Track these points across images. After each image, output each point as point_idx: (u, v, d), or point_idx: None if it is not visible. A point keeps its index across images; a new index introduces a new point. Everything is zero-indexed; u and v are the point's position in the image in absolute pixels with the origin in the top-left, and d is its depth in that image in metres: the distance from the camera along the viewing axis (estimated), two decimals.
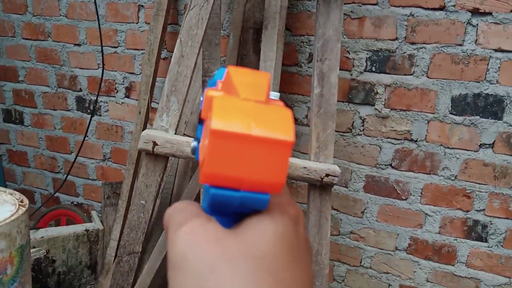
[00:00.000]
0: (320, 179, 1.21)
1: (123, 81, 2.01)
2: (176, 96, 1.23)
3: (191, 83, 1.56)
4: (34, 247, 1.81)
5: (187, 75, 1.22)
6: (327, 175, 1.21)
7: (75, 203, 2.34)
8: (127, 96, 2.03)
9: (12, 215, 0.78)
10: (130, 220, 1.31)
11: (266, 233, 0.23)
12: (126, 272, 1.35)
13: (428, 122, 1.53)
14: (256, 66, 1.47)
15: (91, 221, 2.08)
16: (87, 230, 1.96)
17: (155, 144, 1.21)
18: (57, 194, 2.37)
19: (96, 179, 2.25)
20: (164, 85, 1.23)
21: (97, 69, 2.05)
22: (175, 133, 1.26)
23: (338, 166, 1.65)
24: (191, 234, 0.23)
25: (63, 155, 2.29)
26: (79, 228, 1.97)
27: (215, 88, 0.27)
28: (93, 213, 2.12)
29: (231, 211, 0.23)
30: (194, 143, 0.33)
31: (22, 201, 0.86)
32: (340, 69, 1.56)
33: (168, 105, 1.23)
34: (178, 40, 1.21)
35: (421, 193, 1.60)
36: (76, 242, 1.95)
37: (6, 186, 2.50)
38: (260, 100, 0.23)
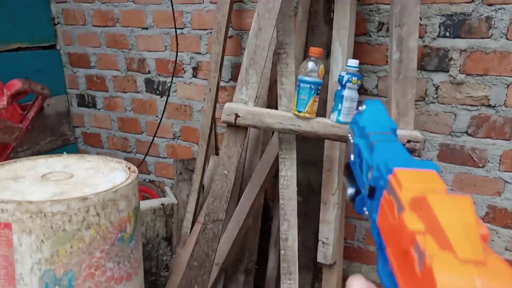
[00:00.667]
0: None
1: (190, 61, 2.08)
2: (255, 69, 1.27)
3: None
4: None
5: (264, 47, 1.25)
6: (409, 141, 1.21)
7: (147, 180, 2.46)
8: (194, 76, 2.10)
9: (126, 180, 0.85)
10: (214, 190, 1.38)
11: None
12: (210, 239, 1.43)
13: (507, 86, 1.48)
14: (328, 36, 1.48)
15: (165, 196, 2.19)
16: (163, 204, 2.07)
17: (237, 116, 1.26)
18: None
19: (166, 157, 2.35)
20: (243, 59, 1.28)
21: (164, 51, 2.12)
22: (255, 105, 1.30)
23: None
24: None
25: (134, 135, 2.41)
26: (155, 202, 2.08)
27: (411, 215, 0.25)
28: (167, 188, 2.23)
29: None
30: (351, 190, 0.35)
31: (129, 168, 0.94)
32: None
33: (247, 78, 1.27)
34: (255, 14, 1.25)
35: (500, 160, 1.56)
36: (153, 216, 2.06)
37: None
38: (480, 261, 0.21)
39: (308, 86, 1.19)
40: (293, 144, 1.35)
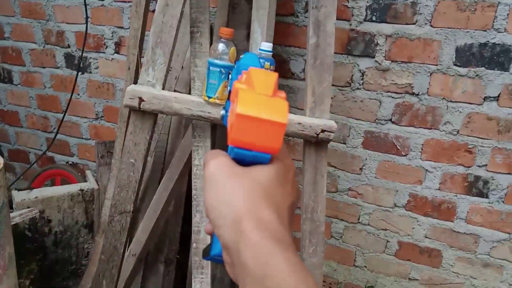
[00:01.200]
0: (315, 135, 1.16)
1: (112, 36, 1.92)
2: (162, 48, 1.15)
3: (181, 35, 1.47)
4: (28, 207, 1.80)
5: (172, 25, 1.14)
6: (322, 130, 1.15)
7: (70, 163, 2.30)
8: (117, 52, 1.95)
9: None
10: (120, 179, 1.27)
11: (264, 169, 0.36)
12: (118, 231, 1.33)
13: (430, 75, 1.45)
14: (248, 16, 1.38)
15: (85, 181, 2.05)
16: (81, 190, 1.94)
17: (141, 100, 1.15)
18: (51, 154, 2.33)
19: (89, 138, 2.20)
20: (149, 37, 1.16)
21: (85, 23, 1.95)
22: (163, 88, 1.19)
23: (336, 122, 1.60)
24: (218, 163, 0.37)
25: (55, 114, 2.24)
26: (73, 187, 1.94)
27: (240, 80, 0.40)
28: (88, 172, 2.09)
29: (247, 162, 0.36)
30: (222, 112, 0.48)
31: None
32: (338, 19, 1.47)
33: (154, 58, 1.16)
34: None
35: (422, 149, 1.55)
36: (71, 202, 1.93)
37: (0, 147, 2.46)
38: (268, 94, 0.35)
39: (218, 69, 1.09)
40: (207, 131, 1.26)
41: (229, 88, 0.46)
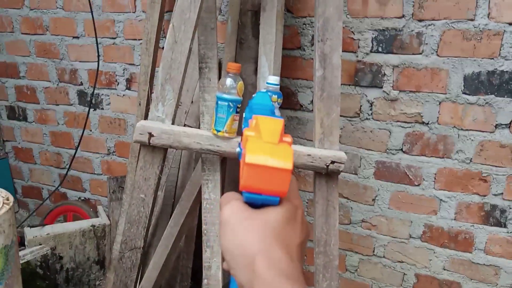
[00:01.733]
0: (325, 166, 1.15)
1: (123, 72, 1.96)
2: (171, 84, 1.17)
3: (190, 71, 1.50)
4: (40, 244, 1.80)
5: (181, 61, 1.16)
6: (332, 162, 1.14)
7: (82, 198, 2.31)
8: (128, 88, 1.99)
9: None
10: (130, 215, 1.26)
11: (273, 210, 0.39)
12: (128, 268, 1.31)
13: (439, 103, 1.44)
14: (255, 50, 1.40)
15: (97, 216, 2.05)
16: (93, 226, 1.94)
17: (151, 135, 1.16)
18: (64, 190, 2.35)
19: (101, 174, 2.22)
20: (158, 74, 1.18)
21: (97, 61, 2.00)
22: (173, 123, 1.21)
23: (346, 153, 1.59)
24: (231, 207, 0.40)
25: (67, 150, 2.27)
26: (85, 223, 1.94)
27: (249, 128, 0.43)
28: (100, 208, 2.09)
29: (258, 204, 0.39)
30: (238, 149, 0.49)
31: (7, 199, 0.82)
32: (345, 51, 1.49)
33: (163, 94, 1.18)
34: (170, 25, 1.15)
35: (435, 178, 1.52)
36: (82, 238, 1.92)
37: (13, 184, 2.48)
38: (274, 142, 0.39)
39: (226, 104, 1.10)
40: (216, 165, 1.26)
41: (242, 128, 0.51)
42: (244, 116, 0.55)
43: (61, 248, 1.87)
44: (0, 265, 0.74)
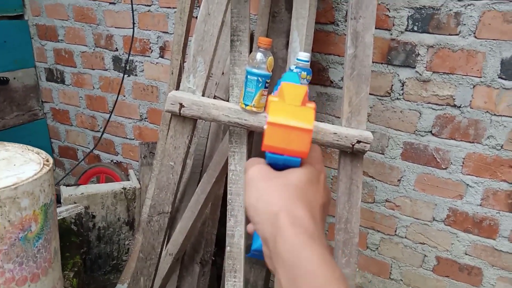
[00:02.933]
0: (351, 145, 1.16)
1: (157, 40, 1.99)
2: (203, 56, 1.19)
3: (222, 42, 1.51)
4: (75, 203, 1.90)
5: (213, 34, 1.18)
6: (358, 141, 1.15)
7: (114, 161, 2.41)
8: (162, 56, 2.02)
9: (35, 174, 0.79)
10: (159, 181, 1.32)
11: (296, 172, 0.40)
12: (156, 231, 1.38)
13: (473, 87, 1.41)
14: (288, 24, 1.39)
15: (128, 180, 2.14)
16: (124, 188, 2.02)
17: (181, 106, 1.19)
18: (97, 152, 2.44)
19: (133, 139, 2.29)
20: (190, 45, 1.20)
21: (132, 28, 2.03)
22: (203, 95, 1.23)
23: (374, 132, 1.59)
24: (256, 169, 0.42)
25: (102, 114, 2.34)
26: (116, 186, 2.03)
27: (275, 95, 0.45)
28: (131, 171, 2.17)
29: (280, 166, 0.41)
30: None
31: (47, 160, 0.87)
32: (379, 28, 1.46)
33: (194, 66, 1.20)
34: None
35: (463, 163, 1.51)
36: (114, 199, 2.02)
37: (51, 143, 2.60)
38: (297, 105, 0.40)
39: (256, 78, 1.12)
40: (243, 138, 1.29)
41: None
42: (273, 93, 0.56)
43: (93, 208, 1.97)
44: (40, 221, 0.80)
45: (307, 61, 1.14)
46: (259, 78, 1.12)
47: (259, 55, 1.11)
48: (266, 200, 0.38)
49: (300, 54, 1.14)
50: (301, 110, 0.39)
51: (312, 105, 0.42)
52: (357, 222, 1.25)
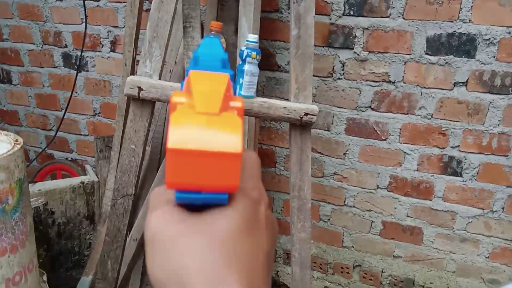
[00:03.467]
0: (299, 118, 1.28)
1: (108, 35, 2.03)
2: (158, 41, 1.26)
3: (174, 32, 1.59)
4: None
5: (167, 20, 1.25)
6: (306, 114, 1.27)
7: (69, 159, 2.40)
8: (113, 50, 2.06)
9: (8, 151, 0.84)
10: (121, 165, 1.38)
11: (224, 213, 0.27)
12: (121, 214, 1.43)
13: (405, 63, 1.58)
14: (236, 12, 1.49)
15: (86, 175, 2.15)
16: (82, 183, 2.04)
17: (140, 89, 1.26)
18: (51, 151, 2.43)
19: (88, 135, 2.30)
20: (146, 32, 1.27)
21: (81, 24, 2.05)
22: (159, 79, 1.31)
23: (320, 111, 1.72)
24: (160, 217, 0.27)
25: (53, 112, 2.33)
26: (74, 180, 2.04)
27: (179, 92, 0.30)
28: (88, 166, 2.19)
29: (198, 204, 0.27)
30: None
31: (17, 140, 0.92)
32: (319, 14, 1.60)
33: (150, 51, 1.27)
34: None
35: (400, 133, 1.68)
36: (73, 194, 2.03)
37: None
38: (213, 113, 0.26)
39: None
40: None
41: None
42: (186, 69, 0.40)
43: (52, 204, 1.98)
44: (16, 195, 0.85)
45: (256, 42, 1.24)
46: None
47: None
48: (178, 270, 0.25)
49: (249, 36, 1.24)
50: (221, 121, 0.26)
51: (238, 103, 0.29)
52: (309, 189, 1.37)
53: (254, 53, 1.23)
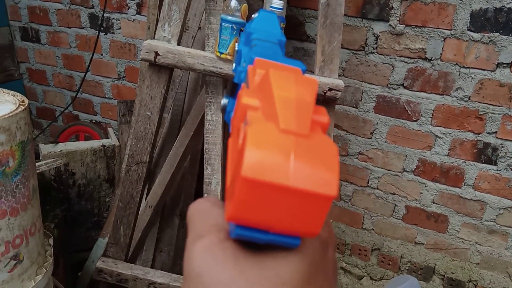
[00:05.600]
0: (323, 93, 1.20)
1: None
2: (178, 4, 1.20)
3: None
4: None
5: None
6: (330, 89, 1.19)
7: (93, 121, 2.41)
8: (139, 13, 2.00)
9: (11, 112, 0.81)
10: (136, 131, 1.34)
11: (289, 259, 0.21)
12: (135, 180, 1.41)
13: (444, 40, 1.45)
14: None
15: (107, 138, 2.15)
16: (103, 146, 2.04)
17: (157, 54, 1.21)
18: (76, 112, 2.43)
19: (112, 98, 2.29)
20: None
21: None
22: (178, 44, 1.25)
23: (349, 86, 1.63)
24: (208, 251, 0.21)
25: (79, 73, 2.32)
26: (95, 143, 2.04)
27: (250, 90, 0.23)
28: (110, 130, 2.18)
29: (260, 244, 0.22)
30: (224, 101, 0.30)
31: (23, 101, 0.89)
32: None
33: (169, 14, 1.21)
34: None
35: (432, 114, 1.57)
36: (93, 157, 2.03)
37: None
38: (302, 134, 0.20)
39: (230, 26, 1.14)
40: (219, 87, 1.32)
41: (233, 65, 0.31)
42: (237, 47, 0.33)
43: (73, 165, 1.99)
44: (17, 157, 0.82)
45: (281, 9, 1.16)
46: (234, 26, 1.13)
47: (233, 2, 1.12)
48: None
49: (274, 2, 1.15)
50: (313, 148, 0.20)
51: (324, 118, 0.23)
52: None
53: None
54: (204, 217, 0.23)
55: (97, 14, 2.12)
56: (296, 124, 0.20)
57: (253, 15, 0.37)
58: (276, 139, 0.19)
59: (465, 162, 1.59)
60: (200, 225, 0.23)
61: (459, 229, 1.69)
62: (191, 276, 0.21)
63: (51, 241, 1.09)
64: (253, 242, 0.21)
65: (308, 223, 0.20)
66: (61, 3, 2.18)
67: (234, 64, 0.34)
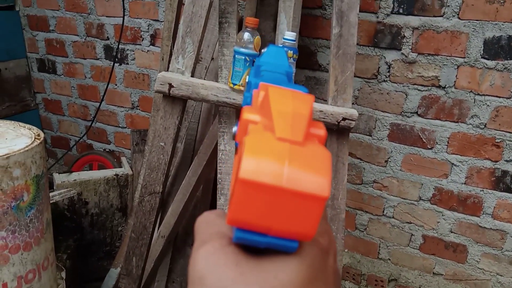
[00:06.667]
0: (336, 123, 1.19)
1: (148, 28, 2.01)
2: (191, 37, 1.21)
3: (211, 27, 1.54)
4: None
5: (201, 15, 1.20)
6: (344, 119, 1.18)
7: (107, 150, 2.42)
8: (153, 44, 2.04)
9: (27, 146, 0.82)
10: (150, 161, 1.34)
11: (288, 262, 0.22)
12: (148, 211, 1.40)
13: (457, 67, 1.44)
14: (276, 8, 1.42)
15: (121, 167, 2.16)
16: (116, 175, 2.04)
17: (171, 86, 1.22)
18: (90, 141, 2.46)
19: (125, 127, 2.31)
20: (179, 27, 1.22)
21: (123, 16, 2.05)
22: (192, 76, 1.26)
23: (362, 114, 1.62)
24: (211, 255, 0.23)
25: (94, 103, 2.36)
26: (109, 172, 2.05)
27: (252, 107, 0.26)
28: (123, 159, 2.19)
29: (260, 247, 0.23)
30: (235, 128, 0.31)
31: (38, 135, 0.90)
32: (365, 11, 1.49)
33: (183, 47, 1.22)
34: None
35: (448, 142, 1.54)
36: (106, 186, 2.04)
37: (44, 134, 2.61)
38: (297, 141, 0.22)
39: (243, 57, 1.15)
40: (232, 118, 1.32)
41: (244, 95, 0.32)
42: (247, 79, 0.34)
43: (86, 194, 1.99)
44: (32, 192, 0.82)
45: (294, 40, 1.16)
46: (247, 57, 1.14)
47: (246, 35, 1.14)
48: None
49: (286, 34, 1.16)
50: (306, 154, 0.21)
51: (321, 131, 0.24)
52: (344, 199, 1.28)
53: (290, 52, 1.15)
54: (209, 226, 0.25)
55: (112, 45, 2.16)
56: (291, 132, 0.22)
57: (262, 50, 0.41)
58: (272, 146, 0.21)
59: (483, 190, 1.55)
60: (205, 233, 0.24)
61: (479, 259, 1.64)
62: (195, 279, 0.22)
63: (63, 274, 1.08)
64: (254, 247, 0.23)
65: (303, 225, 0.21)
66: (77, 35, 2.24)
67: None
